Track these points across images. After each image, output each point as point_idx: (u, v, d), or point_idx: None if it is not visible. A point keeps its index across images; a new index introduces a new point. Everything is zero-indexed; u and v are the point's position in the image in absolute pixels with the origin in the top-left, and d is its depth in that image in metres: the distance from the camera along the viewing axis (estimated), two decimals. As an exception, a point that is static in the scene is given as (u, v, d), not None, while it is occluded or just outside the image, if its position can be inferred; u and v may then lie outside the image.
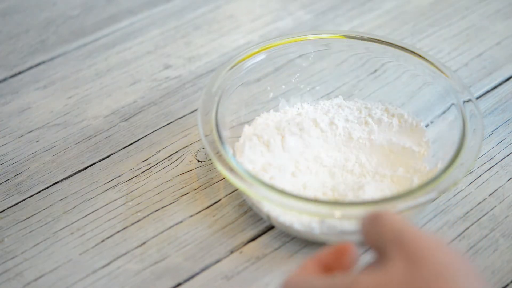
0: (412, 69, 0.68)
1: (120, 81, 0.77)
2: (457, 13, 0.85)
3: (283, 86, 0.70)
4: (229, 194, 0.65)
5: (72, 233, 0.62)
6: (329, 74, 0.73)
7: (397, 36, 0.82)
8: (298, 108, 0.69)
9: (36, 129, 0.72)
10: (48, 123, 0.72)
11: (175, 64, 0.79)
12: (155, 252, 0.61)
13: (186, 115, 0.73)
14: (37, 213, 0.64)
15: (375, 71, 0.73)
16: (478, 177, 0.66)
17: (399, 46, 0.68)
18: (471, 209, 0.64)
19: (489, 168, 0.67)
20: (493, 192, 0.65)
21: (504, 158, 0.68)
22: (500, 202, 0.64)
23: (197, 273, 0.59)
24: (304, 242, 0.61)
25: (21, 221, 0.63)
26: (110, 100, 0.75)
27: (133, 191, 0.65)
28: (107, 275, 0.59)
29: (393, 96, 0.69)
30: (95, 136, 0.71)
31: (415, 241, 0.44)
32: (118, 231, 0.62)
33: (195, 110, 0.73)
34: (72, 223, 0.63)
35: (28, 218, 0.63)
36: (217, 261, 0.60)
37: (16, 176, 0.67)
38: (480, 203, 0.64)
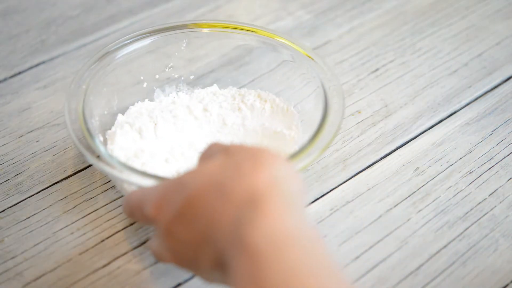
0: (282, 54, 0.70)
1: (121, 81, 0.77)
2: (457, 13, 0.85)
3: (157, 76, 0.71)
4: (229, 194, 0.65)
5: (72, 233, 0.62)
6: (204, 64, 0.75)
7: (397, 36, 0.82)
8: (174, 97, 0.71)
9: (36, 129, 0.72)
10: (48, 123, 0.72)
11: (175, 64, 0.79)
12: (155, 252, 0.61)
13: (186, 115, 0.73)
14: (37, 213, 0.64)
15: (242, 59, 0.74)
16: (478, 177, 0.66)
17: (263, 33, 0.70)
18: (471, 209, 0.64)
19: (489, 168, 0.67)
20: (493, 192, 0.65)
21: (504, 158, 0.68)
22: (500, 202, 0.64)
23: (197, 273, 0.59)
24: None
25: (21, 221, 0.63)
26: (110, 100, 0.75)
27: (133, 191, 0.65)
28: (107, 275, 0.59)
29: (265, 83, 0.72)
30: (95, 136, 0.71)
31: (238, 147, 0.51)
32: (118, 231, 0.62)
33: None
34: (72, 223, 0.63)
35: (28, 218, 0.63)
36: (217, 261, 0.60)
37: (16, 176, 0.67)
38: (480, 203, 0.64)
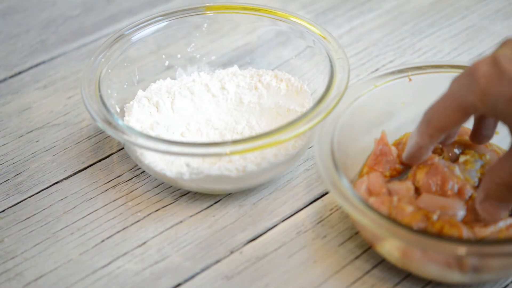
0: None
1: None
2: (457, 13, 0.85)
3: (179, 55, 0.74)
4: (229, 194, 0.65)
5: (72, 233, 0.62)
6: (224, 44, 0.77)
7: (397, 36, 0.82)
8: (195, 77, 0.72)
9: (36, 129, 0.72)
10: (48, 123, 0.72)
11: (176, 64, 0.79)
12: (155, 252, 0.61)
13: (186, 115, 0.73)
14: (37, 213, 0.64)
15: (265, 44, 0.76)
16: (478, 177, 0.66)
17: (289, 17, 0.72)
18: (471, 209, 0.64)
19: (489, 168, 0.67)
20: (493, 192, 0.65)
21: (504, 158, 0.68)
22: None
23: (197, 273, 0.59)
24: (302, 243, 0.61)
25: (21, 221, 0.63)
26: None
27: (133, 191, 0.66)
28: (107, 275, 0.59)
29: (284, 66, 0.74)
30: (95, 136, 0.71)
31: None
32: (118, 231, 0.62)
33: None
34: (72, 223, 0.63)
35: (28, 218, 0.63)
36: (217, 261, 0.60)
37: (16, 176, 0.67)
38: (480, 203, 0.64)
